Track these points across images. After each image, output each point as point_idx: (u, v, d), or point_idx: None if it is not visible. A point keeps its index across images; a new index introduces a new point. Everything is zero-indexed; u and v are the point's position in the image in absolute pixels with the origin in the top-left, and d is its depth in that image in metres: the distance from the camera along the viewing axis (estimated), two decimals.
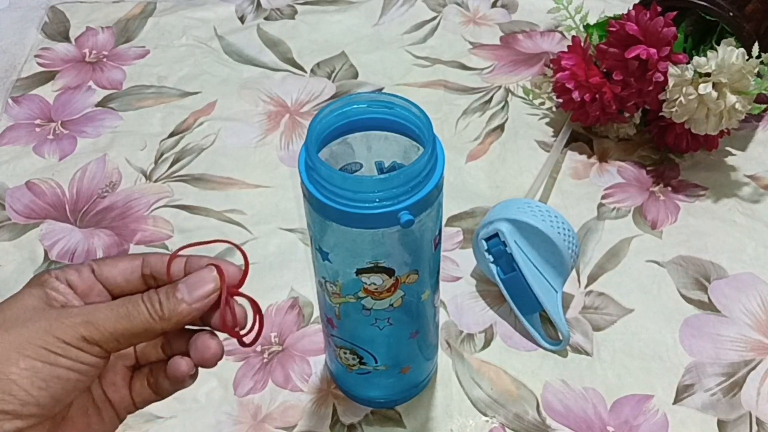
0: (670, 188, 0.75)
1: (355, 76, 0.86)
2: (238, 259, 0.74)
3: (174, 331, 0.42)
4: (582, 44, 0.74)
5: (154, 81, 0.86)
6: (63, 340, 0.37)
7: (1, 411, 0.36)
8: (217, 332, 0.42)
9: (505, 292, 0.63)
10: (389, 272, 0.47)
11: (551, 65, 0.78)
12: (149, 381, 0.43)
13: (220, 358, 0.41)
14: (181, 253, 0.42)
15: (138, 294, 0.40)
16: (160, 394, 0.44)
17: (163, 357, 0.44)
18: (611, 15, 0.77)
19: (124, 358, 0.43)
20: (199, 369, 0.42)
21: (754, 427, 0.59)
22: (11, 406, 0.36)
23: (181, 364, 0.41)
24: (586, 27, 0.77)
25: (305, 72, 0.87)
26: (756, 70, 0.67)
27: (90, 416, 0.42)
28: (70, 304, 0.40)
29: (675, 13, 0.69)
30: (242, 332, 0.42)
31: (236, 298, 0.42)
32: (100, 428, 0.42)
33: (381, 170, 0.50)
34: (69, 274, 0.41)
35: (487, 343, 0.64)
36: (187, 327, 0.42)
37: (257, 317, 0.42)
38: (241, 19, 0.94)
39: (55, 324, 0.37)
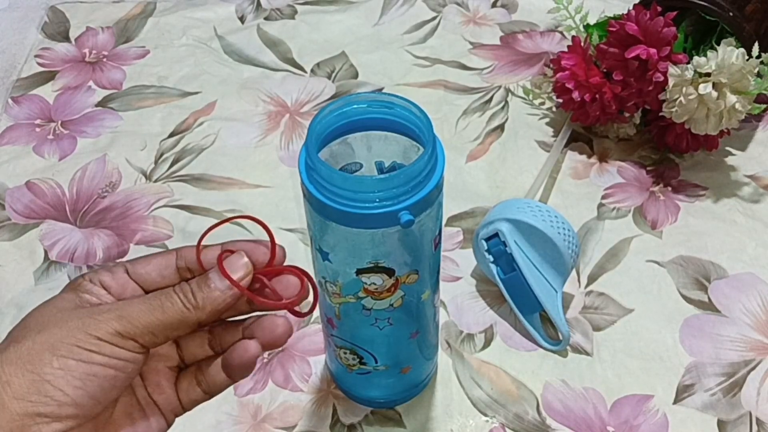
0: (670, 188, 0.75)
1: (355, 76, 0.86)
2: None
3: (221, 327, 0.42)
4: (582, 44, 0.74)
5: (154, 81, 0.86)
6: (96, 336, 0.36)
7: (38, 414, 0.35)
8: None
9: (505, 292, 0.63)
10: (389, 272, 0.47)
11: (551, 65, 0.78)
12: (198, 380, 0.42)
13: (291, 335, 0.41)
14: (208, 237, 0.41)
15: (171, 287, 0.39)
16: (210, 392, 0.42)
17: (212, 353, 0.43)
18: (611, 15, 0.77)
19: (166, 359, 0.43)
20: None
21: (754, 427, 0.59)
22: (48, 408, 0.35)
23: (250, 345, 0.40)
24: (586, 27, 0.77)
25: (305, 72, 0.87)
26: (756, 70, 0.67)
27: (135, 420, 0.41)
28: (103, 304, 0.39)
29: (675, 13, 0.69)
30: (292, 303, 0.40)
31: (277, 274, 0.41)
32: None
33: (381, 170, 0.50)
34: (102, 276, 0.40)
35: (487, 343, 0.64)
36: (233, 319, 0.41)
37: (304, 284, 0.41)
38: (241, 19, 0.94)
39: (88, 321, 0.37)
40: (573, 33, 0.78)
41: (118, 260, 0.40)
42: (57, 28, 0.93)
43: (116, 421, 0.40)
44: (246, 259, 0.40)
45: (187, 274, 0.42)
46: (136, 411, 0.41)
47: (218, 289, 0.39)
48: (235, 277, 0.39)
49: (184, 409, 0.42)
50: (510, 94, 0.84)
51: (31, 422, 0.35)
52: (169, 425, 0.42)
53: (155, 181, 0.76)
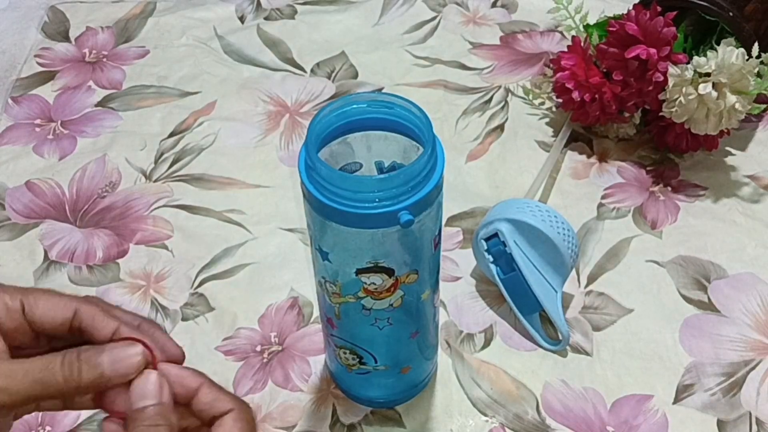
0: (670, 188, 0.75)
1: (355, 76, 0.86)
2: (237, 259, 0.73)
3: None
4: (582, 44, 0.74)
5: (154, 81, 0.86)
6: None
7: None
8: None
9: (504, 292, 0.63)
10: (389, 272, 0.47)
11: (551, 65, 0.78)
12: None
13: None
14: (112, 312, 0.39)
15: (55, 355, 0.37)
16: None
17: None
18: (611, 15, 0.77)
19: None
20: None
21: (754, 427, 0.59)
22: None
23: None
24: (586, 27, 0.77)
25: (305, 72, 0.87)
26: (756, 70, 0.67)
27: None
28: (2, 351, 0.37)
29: (675, 13, 0.69)
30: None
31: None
32: None
33: (381, 170, 0.50)
34: None
35: (487, 343, 0.64)
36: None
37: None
38: (241, 19, 0.94)
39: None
40: (573, 33, 0.78)
41: (18, 288, 0.38)
42: (57, 28, 0.93)
43: None
44: (141, 352, 0.38)
45: (78, 334, 0.39)
46: None
47: (105, 375, 0.37)
48: (125, 368, 0.37)
49: None
50: (510, 94, 0.84)
51: None
52: None
53: (155, 180, 0.76)
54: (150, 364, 0.38)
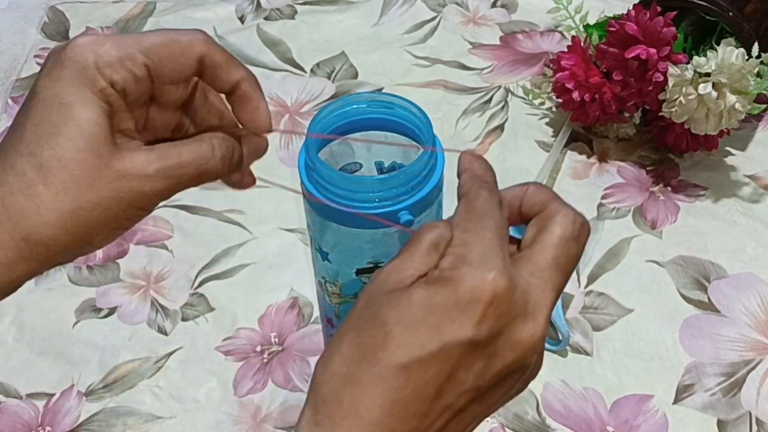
0: (669, 188, 0.75)
1: (355, 76, 0.86)
2: (237, 259, 0.73)
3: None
4: (582, 44, 0.74)
5: None
6: (142, 206, 0.36)
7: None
8: None
9: None
10: None
11: (551, 65, 0.78)
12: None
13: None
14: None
15: (215, 147, 0.37)
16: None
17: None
18: (611, 15, 0.77)
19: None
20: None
21: (754, 427, 0.59)
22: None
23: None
24: (586, 27, 0.77)
25: (305, 72, 0.87)
26: (756, 70, 0.67)
27: None
28: (133, 142, 0.36)
29: (675, 13, 0.69)
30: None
31: None
32: None
33: (381, 170, 0.50)
34: (125, 78, 0.35)
35: None
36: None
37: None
38: (241, 19, 0.94)
39: (139, 197, 0.35)
40: (573, 33, 0.78)
41: (132, 43, 0.35)
42: (57, 28, 0.93)
43: None
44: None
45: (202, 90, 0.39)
46: None
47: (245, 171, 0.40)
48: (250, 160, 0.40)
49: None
50: (510, 94, 0.84)
51: None
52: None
53: None
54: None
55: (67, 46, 0.35)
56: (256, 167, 0.39)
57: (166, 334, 0.65)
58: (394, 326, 0.31)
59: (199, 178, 0.37)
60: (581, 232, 0.36)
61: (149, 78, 0.36)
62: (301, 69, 0.87)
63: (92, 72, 0.34)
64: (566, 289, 0.65)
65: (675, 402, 0.60)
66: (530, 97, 0.83)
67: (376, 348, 0.31)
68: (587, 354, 0.63)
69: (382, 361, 0.31)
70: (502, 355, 0.32)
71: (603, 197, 0.74)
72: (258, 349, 0.64)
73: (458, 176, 0.37)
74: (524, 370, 0.34)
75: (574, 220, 0.36)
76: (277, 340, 0.64)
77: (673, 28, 0.68)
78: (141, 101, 0.37)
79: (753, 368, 0.62)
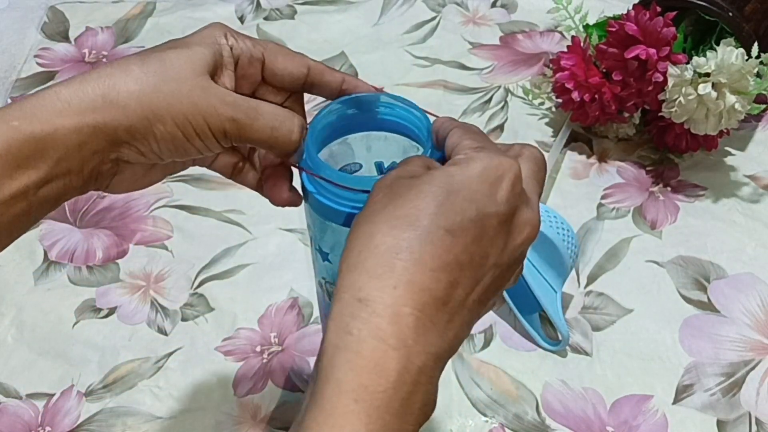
0: (669, 188, 0.75)
1: (355, 76, 0.86)
2: (237, 260, 0.73)
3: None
4: (582, 44, 0.74)
5: None
6: (210, 127, 0.38)
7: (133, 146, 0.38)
8: None
9: (504, 293, 0.63)
10: None
11: (551, 65, 0.78)
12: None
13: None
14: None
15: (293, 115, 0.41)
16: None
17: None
18: (611, 15, 0.77)
19: None
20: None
21: (754, 427, 0.59)
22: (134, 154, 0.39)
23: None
24: (586, 27, 0.77)
25: None
26: (755, 70, 0.67)
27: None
28: (228, 88, 0.40)
29: (675, 13, 0.69)
30: None
31: None
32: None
33: (381, 170, 0.50)
34: (242, 49, 0.41)
35: (486, 344, 0.64)
36: None
37: None
38: (241, 19, 0.94)
39: (211, 111, 0.38)
40: (572, 33, 0.78)
41: (256, 40, 0.42)
42: (57, 28, 0.93)
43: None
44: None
45: (307, 89, 0.44)
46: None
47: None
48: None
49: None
50: (509, 94, 0.84)
51: None
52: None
53: None
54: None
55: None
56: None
57: (165, 334, 0.65)
58: (434, 196, 0.34)
59: (269, 139, 0.40)
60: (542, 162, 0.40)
61: (261, 66, 0.42)
62: None
63: (220, 33, 0.41)
64: (566, 290, 0.65)
65: (675, 402, 0.60)
66: (530, 97, 0.83)
67: (419, 216, 0.34)
68: (587, 354, 0.63)
69: (430, 226, 0.33)
70: (515, 236, 0.35)
71: (603, 197, 0.74)
72: (258, 349, 0.64)
73: (436, 142, 0.41)
74: (519, 261, 0.37)
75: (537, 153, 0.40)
76: (276, 340, 0.64)
77: (673, 28, 0.68)
78: (245, 83, 0.42)
79: (752, 368, 0.62)
